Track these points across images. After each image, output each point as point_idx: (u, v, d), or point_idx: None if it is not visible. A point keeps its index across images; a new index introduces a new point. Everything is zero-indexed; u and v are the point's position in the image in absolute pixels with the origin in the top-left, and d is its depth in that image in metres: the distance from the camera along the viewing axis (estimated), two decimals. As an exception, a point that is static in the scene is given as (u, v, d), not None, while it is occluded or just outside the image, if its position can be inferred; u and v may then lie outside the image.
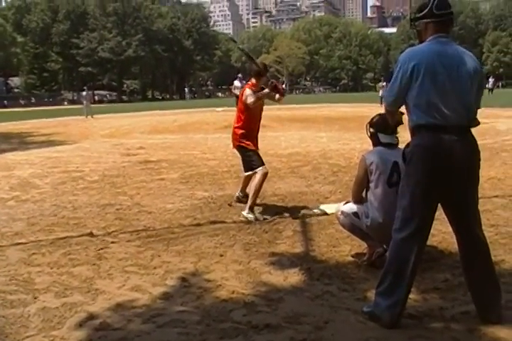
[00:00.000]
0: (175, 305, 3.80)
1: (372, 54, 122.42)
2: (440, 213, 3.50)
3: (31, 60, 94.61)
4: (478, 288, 3.42)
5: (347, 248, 5.07)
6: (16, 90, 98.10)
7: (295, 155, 11.67)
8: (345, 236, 5.23)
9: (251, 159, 6.52)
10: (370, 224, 4.41)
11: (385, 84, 36.21)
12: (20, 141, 18.17)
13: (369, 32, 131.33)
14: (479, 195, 3.50)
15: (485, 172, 7.52)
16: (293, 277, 4.34)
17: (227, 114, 22.86)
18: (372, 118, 4.62)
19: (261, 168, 6.43)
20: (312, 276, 4.33)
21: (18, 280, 4.42)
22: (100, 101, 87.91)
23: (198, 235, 5.65)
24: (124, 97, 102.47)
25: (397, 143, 4.46)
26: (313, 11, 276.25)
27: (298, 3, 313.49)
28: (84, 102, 35.54)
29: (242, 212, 6.36)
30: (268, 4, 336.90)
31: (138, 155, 12.74)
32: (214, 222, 6.17)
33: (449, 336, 3.24)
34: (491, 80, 52.00)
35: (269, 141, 13.86)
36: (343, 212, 4.67)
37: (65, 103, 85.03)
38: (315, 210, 6.60)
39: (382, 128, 4.43)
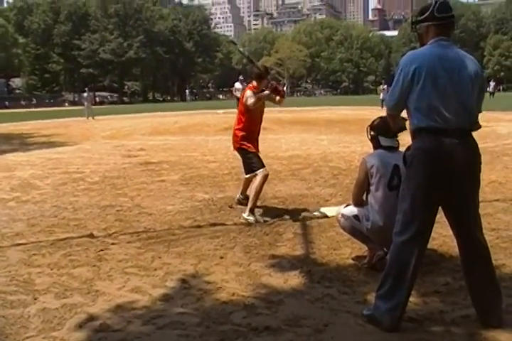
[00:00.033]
0: (175, 307, 3.80)
1: (374, 57, 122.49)
2: (441, 216, 3.50)
3: (32, 61, 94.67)
4: (478, 291, 3.42)
5: (347, 251, 5.07)
6: (17, 91, 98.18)
7: (296, 158, 11.67)
8: (345, 238, 5.22)
9: (251, 161, 6.52)
10: (371, 227, 4.41)
11: (386, 87, 36.19)
12: (21, 142, 18.18)
13: (370, 35, 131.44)
14: (480, 199, 3.50)
15: (486, 175, 7.51)
16: (293, 279, 4.34)
17: (228, 116, 22.87)
18: (373, 121, 4.62)
19: (261, 170, 6.43)
20: (312, 279, 4.32)
21: (18, 280, 4.42)
22: (101, 103, 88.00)
23: (199, 237, 5.65)
24: (125, 99, 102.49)
25: (398, 146, 4.46)
26: (315, 13, 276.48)
27: (299, 6, 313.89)
28: (86, 103, 35.61)
29: (243, 214, 6.36)
30: (269, 6, 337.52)
31: (138, 156, 12.75)
32: (214, 224, 6.17)
33: (450, 340, 3.24)
34: (492, 84, 51.99)
35: (270, 143, 13.86)
36: (343, 215, 4.66)
37: (66, 104, 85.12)
38: (315, 213, 6.60)
39: (382, 131, 4.43)
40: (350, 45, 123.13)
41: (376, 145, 4.58)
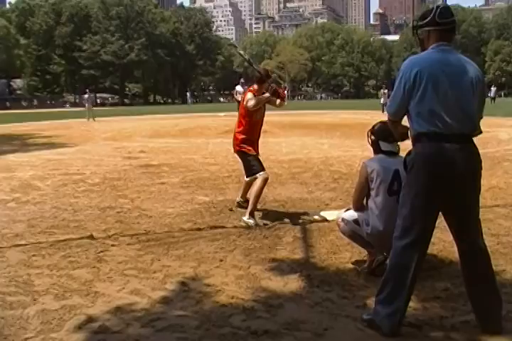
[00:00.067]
0: (174, 310, 3.80)
1: (375, 61, 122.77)
2: (441, 221, 3.50)
3: (34, 62, 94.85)
4: (478, 297, 3.41)
5: (347, 255, 5.06)
6: (18, 92, 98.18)
7: (296, 161, 11.67)
8: (345, 243, 5.22)
9: (251, 164, 6.53)
10: (371, 232, 4.40)
11: (387, 91, 36.25)
12: (22, 143, 18.20)
13: (371, 39, 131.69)
14: (480, 204, 3.49)
15: (486, 181, 7.51)
16: (293, 283, 4.33)
17: (229, 119, 22.85)
18: (373, 126, 4.62)
19: (261, 173, 6.43)
20: (312, 283, 4.32)
21: (17, 281, 4.42)
22: (102, 104, 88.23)
23: (198, 240, 5.65)
24: (126, 101, 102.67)
25: (398, 152, 4.46)
26: (316, 17, 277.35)
27: (301, 10, 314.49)
28: (87, 105, 35.72)
29: (243, 218, 6.35)
30: (271, 10, 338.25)
31: (139, 158, 12.75)
32: (214, 227, 6.16)
33: (449, 345, 3.24)
34: (493, 89, 52.07)
35: (271, 146, 13.87)
36: (343, 219, 4.66)
37: (67, 105, 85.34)
38: (315, 216, 6.60)
39: (383, 136, 4.42)
40: (352, 49, 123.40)
41: (376, 150, 4.57)
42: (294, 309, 3.79)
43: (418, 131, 3.34)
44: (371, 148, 4.66)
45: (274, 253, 5.19)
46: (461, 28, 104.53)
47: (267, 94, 6.47)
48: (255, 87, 6.60)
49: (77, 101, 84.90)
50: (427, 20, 3.45)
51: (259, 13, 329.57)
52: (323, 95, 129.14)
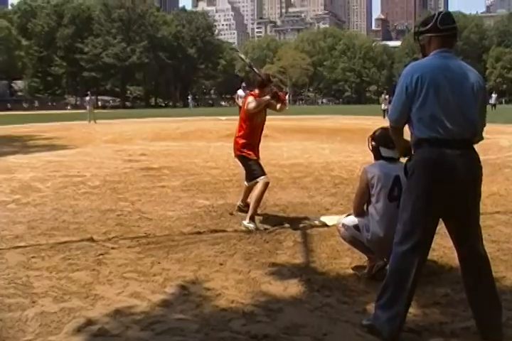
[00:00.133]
0: (174, 313, 3.79)
1: (376, 67, 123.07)
2: (441, 227, 3.50)
3: (35, 63, 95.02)
4: (478, 304, 3.40)
5: (347, 260, 5.06)
6: (19, 93, 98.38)
7: (297, 166, 11.67)
8: (345, 248, 5.21)
9: (252, 168, 6.53)
10: (371, 237, 4.39)
11: (388, 97, 36.26)
12: (22, 144, 18.21)
13: (373, 45, 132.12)
14: (481, 211, 3.50)
15: (487, 188, 7.51)
16: (293, 288, 4.33)
17: (230, 123, 22.87)
18: (374, 132, 4.61)
19: (262, 177, 6.43)
20: (312, 288, 4.31)
21: (16, 283, 4.41)
22: (103, 107, 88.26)
23: (199, 243, 5.64)
24: (127, 103, 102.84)
25: (399, 157, 4.45)
26: (318, 22, 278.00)
27: (303, 14, 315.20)
28: (88, 107, 35.74)
29: (243, 222, 6.35)
30: (273, 14, 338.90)
31: (140, 161, 12.75)
32: (215, 231, 6.15)
33: (449, 351, 3.23)
34: (493, 96, 52.08)
35: (272, 151, 13.88)
36: (344, 225, 4.65)
37: (68, 107, 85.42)
38: (316, 221, 6.59)
39: (384, 141, 4.41)
40: (353, 54, 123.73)
41: (377, 155, 4.56)
42: (294, 313, 3.78)
43: (419, 137, 3.34)
44: (372, 154, 4.66)
45: (275, 257, 5.18)
46: (463, 34, 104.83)
47: (268, 97, 6.48)
48: (256, 91, 6.61)
49: (79, 103, 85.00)
50: (428, 26, 3.46)
51: (261, 18, 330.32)
52: (324, 100, 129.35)
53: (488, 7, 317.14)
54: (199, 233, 6.07)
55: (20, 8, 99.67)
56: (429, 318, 3.70)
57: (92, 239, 5.75)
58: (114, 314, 3.78)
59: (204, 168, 11.39)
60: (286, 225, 6.45)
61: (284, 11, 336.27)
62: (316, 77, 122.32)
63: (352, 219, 4.61)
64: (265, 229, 6.25)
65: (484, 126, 3.46)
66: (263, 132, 6.91)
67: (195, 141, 18.76)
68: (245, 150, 6.56)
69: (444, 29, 3.41)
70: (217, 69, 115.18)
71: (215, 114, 41.92)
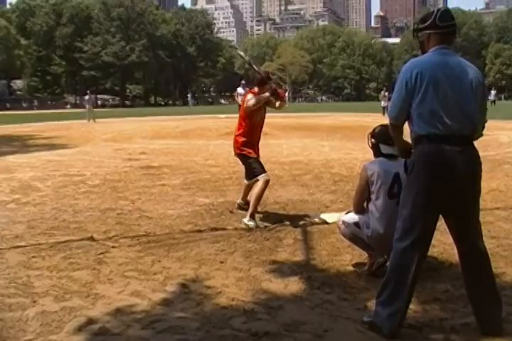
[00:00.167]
0: (174, 311, 3.79)
1: (376, 64, 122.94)
2: (441, 224, 3.51)
3: (34, 62, 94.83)
4: (478, 300, 3.41)
5: (348, 257, 5.06)
6: (18, 93, 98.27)
7: (297, 164, 11.67)
8: (346, 245, 5.21)
9: (253, 166, 6.53)
10: (371, 234, 4.40)
11: (387, 94, 36.24)
12: (22, 144, 18.20)
13: (372, 42, 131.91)
14: (480, 207, 3.50)
15: (486, 184, 7.52)
16: (293, 285, 4.33)
17: (229, 121, 22.85)
18: (374, 129, 4.61)
19: (263, 175, 6.43)
20: (312, 285, 4.32)
21: (17, 283, 4.41)
22: (103, 106, 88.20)
23: (199, 241, 5.64)
24: (126, 102, 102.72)
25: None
26: (317, 19, 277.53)
27: (302, 12, 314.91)
28: (87, 106, 35.74)
29: (243, 219, 6.35)
30: (272, 12, 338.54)
31: (140, 160, 12.74)
32: (215, 229, 6.15)
33: (449, 347, 3.23)
34: (493, 92, 52.01)
35: (272, 148, 13.87)
36: (344, 222, 4.66)
37: (68, 106, 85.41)
38: (316, 219, 6.59)
39: (383, 139, 4.41)
40: (353, 51, 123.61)
41: (377, 152, 4.57)
42: (295, 311, 3.78)
43: (418, 133, 3.35)
44: (372, 151, 4.66)
45: (275, 255, 5.18)
46: (462, 31, 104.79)
47: (267, 94, 6.48)
48: (256, 89, 6.61)
49: (78, 102, 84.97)
50: (427, 23, 3.46)
51: (260, 15, 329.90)
52: (324, 97, 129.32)
53: (487, 3, 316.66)
54: (199, 231, 6.07)
55: (18, 7, 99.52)
56: (429, 314, 3.71)
57: (92, 238, 5.75)
58: (114, 313, 3.78)
59: (204, 166, 11.39)
60: (287, 223, 6.45)
61: (283, 8, 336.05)
62: (315, 74, 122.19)
63: (352, 216, 4.61)
64: (265, 226, 6.26)
65: (485, 122, 3.46)
66: (263, 130, 6.91)
67: (195, 139, 18.75)
68: (245, 149, 6.56)
69: (443, 26, 3.42)
70: (217, 67, 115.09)
71: (214, 112, 41.89)
